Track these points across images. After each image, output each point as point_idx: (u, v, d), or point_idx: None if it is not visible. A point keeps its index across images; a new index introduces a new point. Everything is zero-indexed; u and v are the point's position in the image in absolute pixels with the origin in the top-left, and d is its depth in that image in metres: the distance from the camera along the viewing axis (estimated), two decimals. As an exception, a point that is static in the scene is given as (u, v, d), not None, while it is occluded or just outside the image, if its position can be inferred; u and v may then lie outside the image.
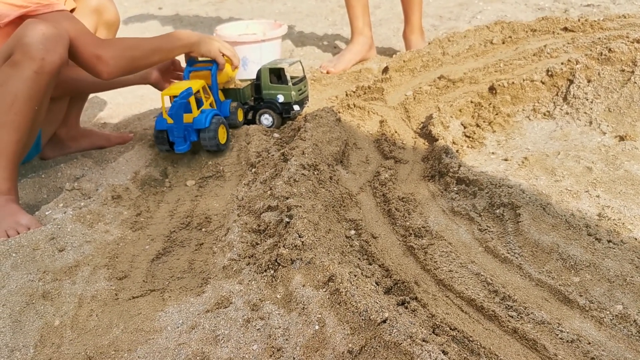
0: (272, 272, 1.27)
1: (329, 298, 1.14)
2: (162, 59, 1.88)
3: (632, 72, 2.04)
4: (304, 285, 1.19)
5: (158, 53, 1.85)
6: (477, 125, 2.04)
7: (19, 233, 1.55)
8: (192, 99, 1.82)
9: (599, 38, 2.34)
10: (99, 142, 2.19)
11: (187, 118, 1.83)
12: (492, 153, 1.91)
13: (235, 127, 2.01)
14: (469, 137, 1.98)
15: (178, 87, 1.85)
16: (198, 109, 1.86)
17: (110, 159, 2.07)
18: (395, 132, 2.04)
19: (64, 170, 1.99)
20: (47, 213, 1.70)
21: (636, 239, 1.38)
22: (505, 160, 1.84)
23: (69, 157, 2.11)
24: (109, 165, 1.96)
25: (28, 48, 1.57)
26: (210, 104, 1.94)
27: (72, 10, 1.95)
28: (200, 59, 2.01)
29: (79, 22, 1.75)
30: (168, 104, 1.90)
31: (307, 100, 2.25)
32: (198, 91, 1.88)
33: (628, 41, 2.13)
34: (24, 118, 1.61)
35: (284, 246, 1.29)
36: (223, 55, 1.98)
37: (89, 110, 2.65)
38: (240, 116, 2.04)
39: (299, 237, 1.30)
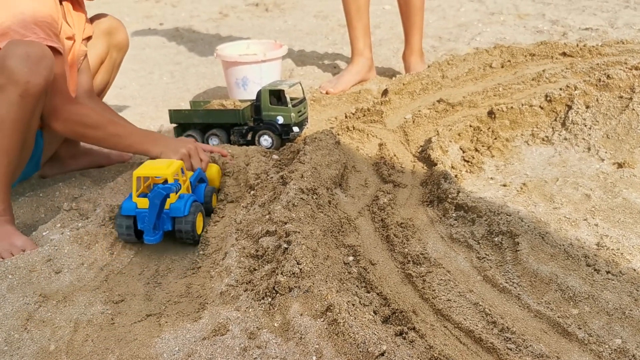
0: (269, 299, 1.26)
1: (326, 328, 1.13)
2: (113, 148, 1.83)
3: (630, 98, 2.05)
4: (301, 314, 1.19)
5: (112, 143, 1.79)
6: (476, 150, 2.04)
7: (13, 255, 1.54)
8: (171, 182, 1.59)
9: (598, 64, 2.36)
10: (99, 161, 2.19)
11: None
12: (491, 178, 1.91)
13: (209, 213, 1.77)
14: (467, 161, 1.99)
15: (154, 167, 1.60)
16: (175, 193, 1.60)
17: (108, 178, 2.07)
18: (394, 155, 2.04)
19: (62, 189, 1.98)
20: (44, 234, 1.69)
21: (635, 270, 1.37)
22: (504, 185, 1.84)
23: (67, 175, 2.10)
24: (107, 185, 1.96)
25: (11, 71, 1.52)
26: (187, 188, 1.67)
27: (89, 38, 1.96)
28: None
29: (61, 65, 1.69)
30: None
31: (307, 121, 2.25)
32: (176, 174, 1.63)
33: (626, 68, 2.15)
34: (13, 141, 1.59)
35: (282, 273, 1.28)
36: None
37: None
38: (214, 202, 1.79)
39: (297, 264, 1.29)
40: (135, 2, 6.02)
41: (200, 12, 5.30)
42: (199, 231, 1.63)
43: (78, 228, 1.70)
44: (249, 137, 2.16)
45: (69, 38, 1.83)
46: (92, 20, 2.05)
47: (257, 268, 1.41)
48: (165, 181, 1.59)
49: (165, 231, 1.59)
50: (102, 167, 2.18)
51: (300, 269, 1.28)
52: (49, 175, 2.12)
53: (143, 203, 1.55)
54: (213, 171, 1.85)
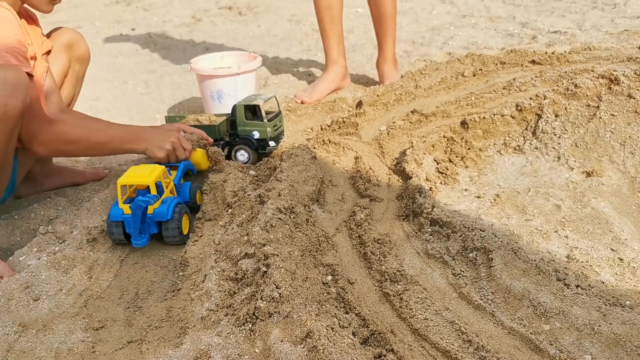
0: (250, 325, 1.28)
1: (306, 355, 1.15)
2: (99, 155, 1.91)
3: (598, 107, 2.10)
4: (282, 341, 1.21)
5: (96, 152, 1.89)
6: (450, 161, 2.08)
7: (-9, 282, 1.54)
8: (153, 190, 1.70)
9: (566, 72, 2.41)
10: (74, 179, 2.17)
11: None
12: (465, 190, 1.95)
13: (195, 210, 1.88)
14: (442, 173, 2.02)
15: (136, 175, 1.71)
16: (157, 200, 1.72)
17: (84, 197, 2.05)
18: (370, 168, 2.07)
19: (37, 210, 1.97)
20: (20, 259, 1.69)
21: (603, 283, 1.42)
22: (478, 197, 1.88)
23: (42, 196, 2.09)
24: (83, 205, 1.95)
25: None
26: (171, 190, 1.78)
27: (48, 52, 1.94)
28: None
29: (34, 89, 1.72)
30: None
31: (283, 135, 2.27)
32: (159, 179, 1.75)
33: (593, 76, 2.20)
34: None
35: (261, 298, 1.30)
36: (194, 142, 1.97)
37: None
38: (199, 199, 1.90)
39: (277, 288, 1.31)
40: (106, 6, 5.95)
41: (173, 16, 5.26)
42: (185, 231, 1.75)
43: (55, 252, 1.70)
44: (225, 152, 2.17)
45: (31, 58, 1.82)
46: (51, 34, 2.04)
47: (236, 291, 1.42)
48: (148, 188, 1.70)
49: (153, 234, 1.73)
50: (77, 186, 2.16)
51: (280, 294, 1.30)
52: (24, 196, 2.10)
53: (129, 209, 1.68)
54: (198, 156, 1.96)
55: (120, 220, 1.70)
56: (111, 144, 1.84)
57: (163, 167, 1.77)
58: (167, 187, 1.77)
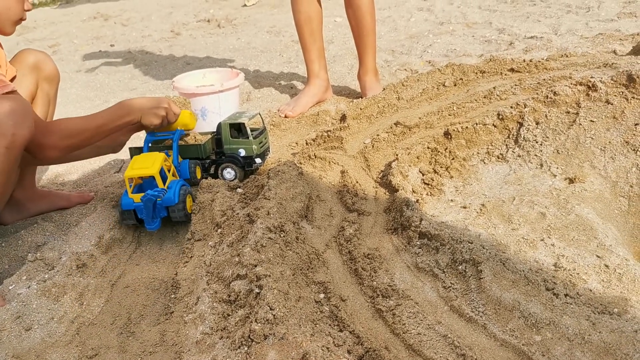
0: (246, 348, 1.28)
1: (304, 377, 1.16)
2: (107, 136, 1.92)
3: (577, 113, 2.14)
4: (278, 363, 1.21)
5: (102, 134, 1.90)
6: (435, 172, 2.10)
7: (-17, 313, 1.53)
8: (158, 179, 1.86)
9: (544, 79, 2.46)
10: (59, 203, 2.16)
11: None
12: (451, 200, 1.97)
13: (195, 184, 2.07)
14: (427, 184, 2.04)
15: (140, 166, 1.88)
16: (163, 183, 1.90)
17: (72, 222, 2.04)
18: (357, 182, 2.09)
19: (24, 237, 1.95)
20: (10, 287, 1.67)
21: (591, 291, 1.45)
22: (464, 207, 1.91)
23: (28, 222, 2.07)
24: (71, 230, 1.94)
25: None
26: (173, 173, 1.97)
27: (13, 78, 1.93)
28: None
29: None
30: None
31: (269, 151, 2.28)
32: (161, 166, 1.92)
33: (571, 83, 2.24)
34: None
35: (255, 320, 1.31)
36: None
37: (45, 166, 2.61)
38: (198, 174, 2.10)
39: (270, 309, 1.32)
40: (83, 22, 5.92)
41: (152, 30, 5.25)
42: (190, 210, 1.93)
43: (45, 280, 1.69)
44: (212, 170, 2.18)
45: None
46: (16, 57, 2.02)
47: (230, 314, 1.43)
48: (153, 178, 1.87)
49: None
50: (63, 210, 2.14)
51: (274, 315, 1.31)
52: (9, 222, 2.08)
53: (138, 198, 1.86)
54: (186, 117, 2.07)
55: (132, 209, 1.87)
56: (110, 124, 1.89)
57: (163, 154, 1.92)
58: (169, 171, 1.93)
